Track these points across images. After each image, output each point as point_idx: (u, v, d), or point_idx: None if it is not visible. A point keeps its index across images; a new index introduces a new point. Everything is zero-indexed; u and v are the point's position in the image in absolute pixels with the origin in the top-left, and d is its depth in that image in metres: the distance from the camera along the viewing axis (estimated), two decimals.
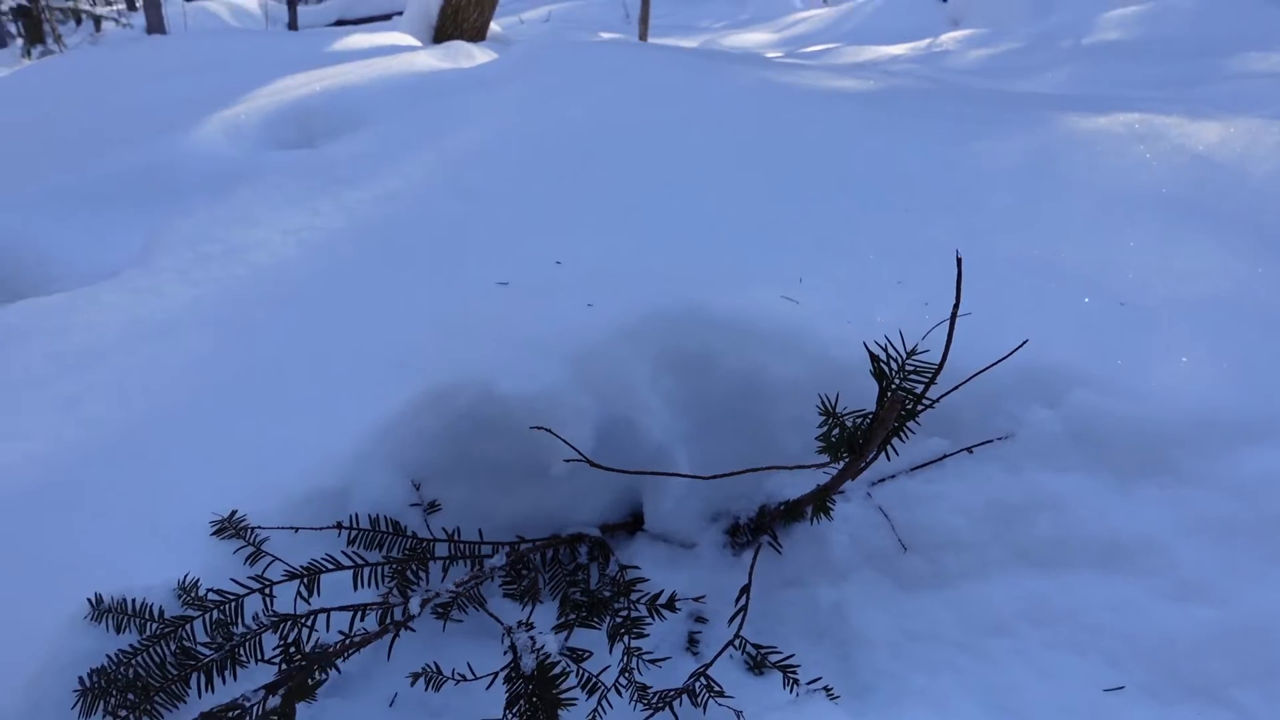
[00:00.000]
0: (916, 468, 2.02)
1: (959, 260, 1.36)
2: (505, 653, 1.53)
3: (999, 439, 1.98)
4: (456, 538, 1.96)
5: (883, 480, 2.03)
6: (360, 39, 6.04)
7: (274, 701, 1.30)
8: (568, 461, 1.61)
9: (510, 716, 1.51)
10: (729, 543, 2.12)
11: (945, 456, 2.01)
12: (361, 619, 1.55)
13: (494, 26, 8.42)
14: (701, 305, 2.04)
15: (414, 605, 1.55)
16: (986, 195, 3.00)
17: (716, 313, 2.04)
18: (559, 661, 1.46)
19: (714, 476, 1.62)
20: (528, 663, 1.45)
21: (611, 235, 2.76)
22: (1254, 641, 1.55)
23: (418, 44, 6.08)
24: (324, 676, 1.42)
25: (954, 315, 1.43)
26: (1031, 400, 1.98)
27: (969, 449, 1.99)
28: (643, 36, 9.85)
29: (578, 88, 3.89)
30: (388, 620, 1.56)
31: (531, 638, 1.48)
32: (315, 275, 2.73)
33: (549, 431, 1.67)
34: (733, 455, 2.10)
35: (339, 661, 1.47)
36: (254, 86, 4.84)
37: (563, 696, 1.45)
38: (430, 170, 3.30)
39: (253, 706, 1.28)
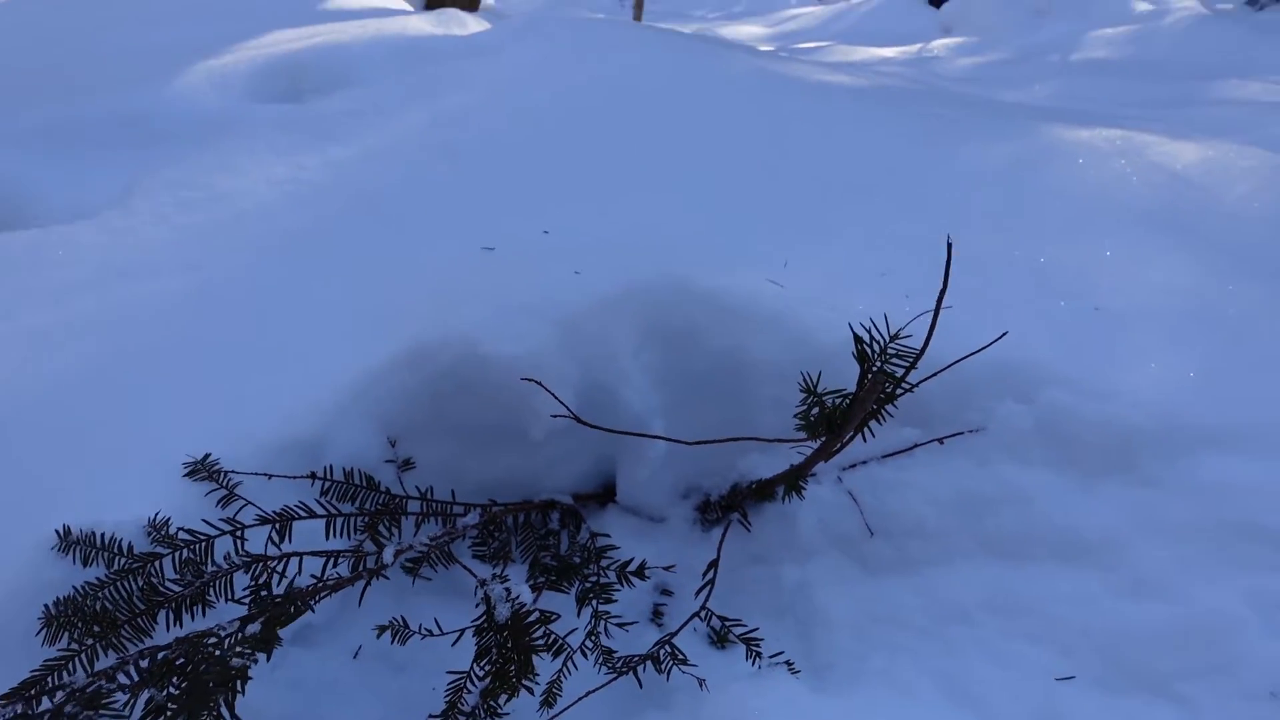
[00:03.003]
0: (888, 455, 2.05)
1: (949, 246, 1.38)
2: (477, 605, 1.54)
3: (970, 431, 2.02)
4: (430, 496, 1.96)
5: (854, 466, 2.06)
6: None
7: (253, 628, 1.29)
8: (555, 417, 1.61)
9: (478, 669, 1.52)
10: (699, 519, 2.14)
11: (917, 446, 2.04)
12: (334, 565, 1.55)
13: (488, 0, 8.35)
14: (689, 281, 2.06)
15: (387, 555, 1.55)
16: (971, 196, 3.04)
17: (703, 289, 2.06)
18: (534, 611, 1.47)
19: (698, 442, 1.63)
20: (502, 612, 1.46)
21: (602, 208, 2.75)
22: (1203, 639, 1.60)
23: (410, 9, 6.01)
24: (289, 612, 1.41)
25: (940, 300, 1.45)
26: (1004, 395, 2.02)
27: (940, 440, 2.02)
28: (637, 19, 9.81)
29: (574, 61, 3.88)
30: (360, 568, 1.56)
31: (507, 589, 1.49)
32: (300, 227, 2.70)
33: (538, 384, 1.67)
34: (709, 431, 2.11)
35: (312, 603, 1.46)
36: (243, 38, 4.76)
37: (535, 643, 1.46)
38: (420, 133, 3.28)
39: (228, 636, 1.28)
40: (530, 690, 1.43)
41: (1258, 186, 3.37)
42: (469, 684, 1.55)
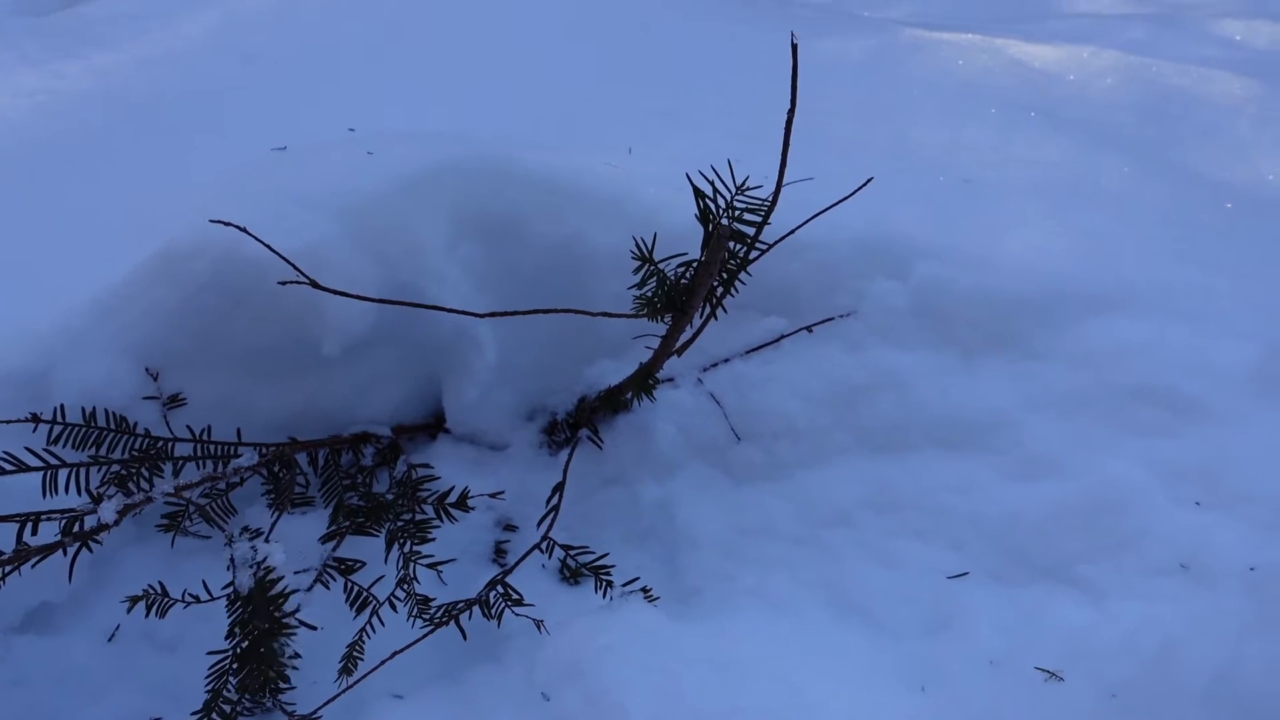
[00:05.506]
0: (751, 350, 1.80)
1: (794, 46, 1.12)
2: (228, 568, 1.20)
3: (840, 316, 1.79)
4: (205, 437, 1.59)
5: (714, 365, 1.80)
6: None
7: None
8: (283, 284, 1.25)
9: (233, 648, 1.18)
10: (545, 442, 1.85)
11: (783, 337, 1.80)
12: (34, 532, 1.17)
13: None
14: (507, 160, 1.73)
15: (106, 513, 1.18)
16: (832, 85, 2.83)
17: (525, 169, 1.74)
18: (281, 578, 1.14)
19: (490, 314, 1.31)
20: (242, 580, 1.13)
21: (422, 106, 2.40)
22: (1103, 514, 1.42)
23: None
24: None
25: (789, 123, 1.19)
26: (875, 273, 1.79)
27: (808, 328, 1.79)
28: None
29: None
30: (76, 530, 1.19)
31: (254, 547, 1.15)
32: (47, 140, 2.23)
33: (246, 233, 1.29)
34: (550, 339, 1.82)
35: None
36: None
37: (285, 620, 1.13)
38: (209, 33, 2.81)
39: None
40: (280, 681, 1.10)
41: (1121, 81, 3.32)
42: (234, 664, 1.22)
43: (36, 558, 1.12)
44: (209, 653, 1.23)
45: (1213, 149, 2.84)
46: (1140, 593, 1.29)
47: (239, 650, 1.09)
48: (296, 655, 1.11)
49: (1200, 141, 2.89)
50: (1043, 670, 1.22)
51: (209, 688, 1.20)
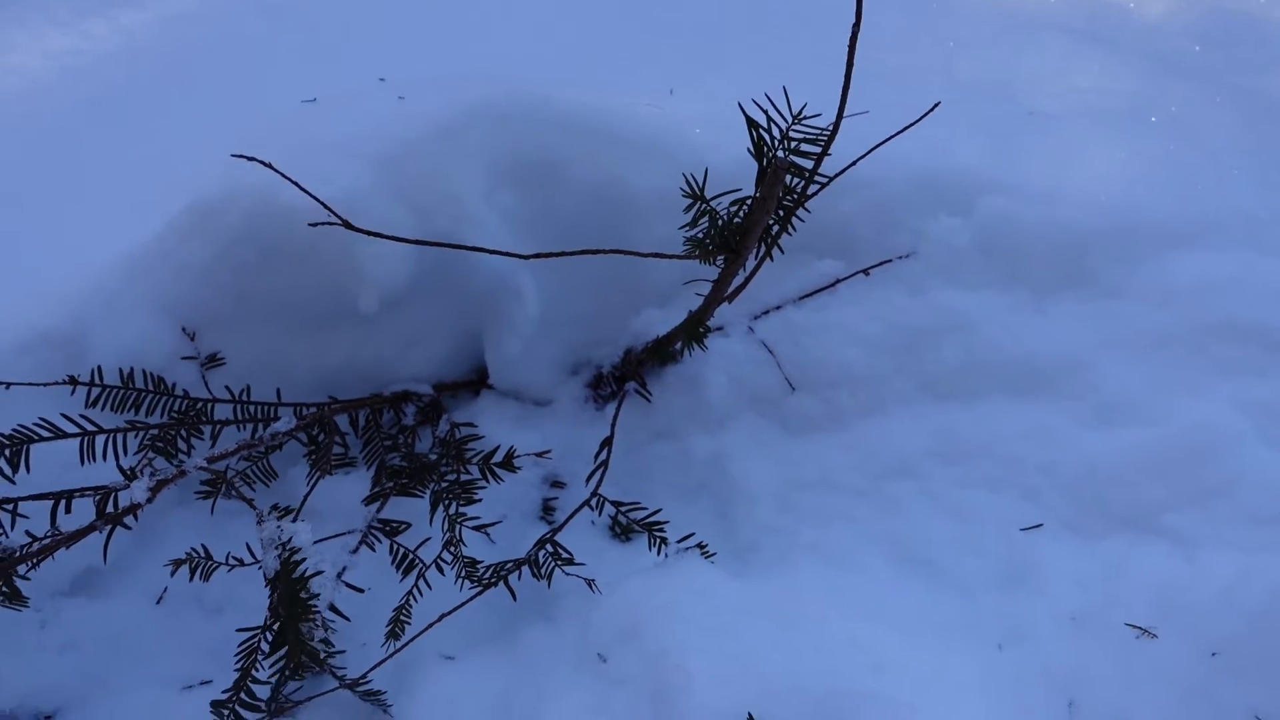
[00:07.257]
0: (805, 296, 1.71)
1: None
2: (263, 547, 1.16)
3: (900, 257, 1.69)
4: (245, 397, 1.55)
5: (766, 313, 1.72)
6: None
7: None
8: (313, 225, 1.17)
9: (262, 629, 1.15)
10: (591, 396, 1.79)
11: (838, 281, 1.71)
12: (68, 510, 1.13)
13: None
14: (542, 100, 1.65)
15: (138, 492, 1.13)
16: (877, 15, 2.69)
17: (562, 109, 1.65)
18: (304, 559, 1.09)
19: (535, 255, 1.23)
20: (268, 563, 1.09)
21: (455, 52, 2.31)
22: (1190, 461, 1.33)
23: None
24: None
25: (854, 36, 1.10)
26: (936, 210, 1.69)
27: (866, 271, 1.69)
28: None
29: None
30: (111, 508, 1.15)
31: (280, 526, 1.11)
32: (76, 101, 2.19)
33: (272, 168, 1.22)
34: (592, 289, 1.75)
35: (21, 571, 1.06)
36: None
37: (312, 603, 1.09)
38: None
39: None
40: (321, 664, 1.06)
41: (1180, 5, 3.14)
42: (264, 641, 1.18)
43: (67, 544, 1.08)
44: (238, 630, 1.19)
45: None
46: (1237, 543, 1.20)
47: (274, 632, 1.06)
48: (329, 637, 1.07)
49: (1270, 66, 2.72)
50: (1133, 626, 1.14)
51: (238, 666, 1.16)
